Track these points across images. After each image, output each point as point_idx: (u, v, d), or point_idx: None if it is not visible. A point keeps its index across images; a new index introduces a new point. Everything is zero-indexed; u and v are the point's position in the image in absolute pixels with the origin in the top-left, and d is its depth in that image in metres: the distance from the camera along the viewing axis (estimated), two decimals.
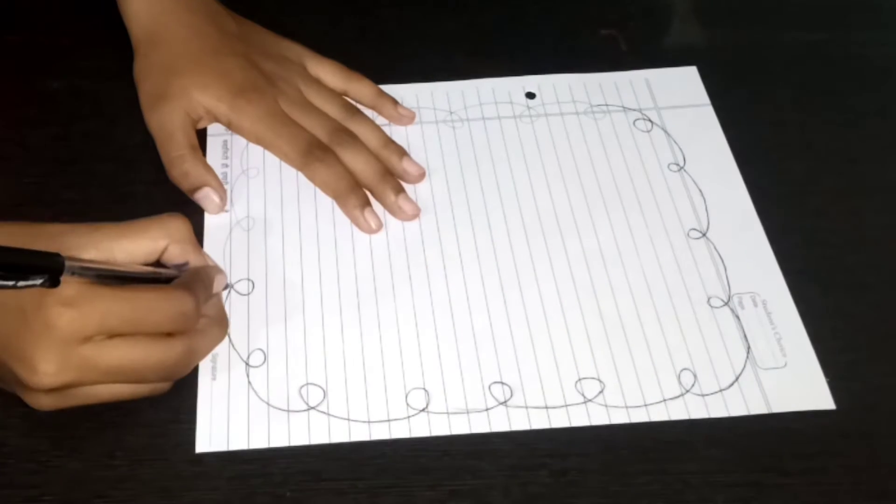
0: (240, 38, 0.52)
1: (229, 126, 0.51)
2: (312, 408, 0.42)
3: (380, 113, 0.54)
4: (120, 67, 0.52)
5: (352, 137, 0.50)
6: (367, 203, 0.49)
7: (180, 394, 0.42)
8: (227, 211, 0.49)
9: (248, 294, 0.46)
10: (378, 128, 0.52)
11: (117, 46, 0.53)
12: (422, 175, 0.51)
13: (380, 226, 0.48)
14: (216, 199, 0.48)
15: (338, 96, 0.53)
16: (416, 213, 0.49)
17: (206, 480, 0.39)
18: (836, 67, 0.58)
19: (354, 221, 0.48)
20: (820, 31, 0.60)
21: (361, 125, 0.52)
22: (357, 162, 0.49)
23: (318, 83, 0.53)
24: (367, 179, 0.49)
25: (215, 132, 0.52)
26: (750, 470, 0.40)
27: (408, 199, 0.49)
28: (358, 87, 0.54)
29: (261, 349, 0.44)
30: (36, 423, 0.41)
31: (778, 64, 0.58)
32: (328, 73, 0.54)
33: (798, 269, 0.47)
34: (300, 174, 0.50)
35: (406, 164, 0.51)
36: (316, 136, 0.50)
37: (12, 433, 0.40)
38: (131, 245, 0.40)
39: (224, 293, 0.45)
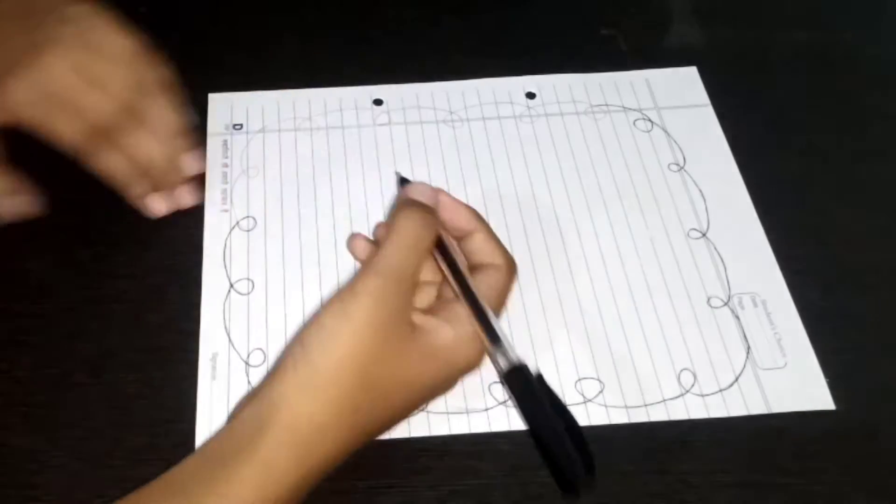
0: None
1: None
2: None
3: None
4: None
5: (137, 121, 0.46)
6: (151, 188, 0.48)
7: (180, 393, 0.42)
8: (226, 210, 0.49)
9: (248, 294, 0.46)
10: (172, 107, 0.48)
11: None
12: (199, 169, 0.49)
13: (169, 208, 0.48)
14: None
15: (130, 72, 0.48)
16: (191, 203, 0.49)
17: None
18: (836, 67, 0.58)
19: (140, 207, 0.48)
20: (820, 31, 0.60)
21: (154, 102, 0.47)
22: (143, 144, 0.46)
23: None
24: (153, 162, 0.47)
25: (215, 131, 0.53)
26: (750, 470, 0.41)
27: (190, 190, 0.49)
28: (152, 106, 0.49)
29: (260, 349, 0.44)
30: (36, 422, 0.41)
31: (778, 63, 0.59)
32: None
33: (798, 268, 0.48)
34: (300, 173, 0.51)
35: (189, 158, 0.49)
36: (99, 120, 0.45)
37: (12, 433, 0.41)
38: None
39: (224, 293, 0.46)
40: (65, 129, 0.44)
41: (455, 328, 0.39)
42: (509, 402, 0.43)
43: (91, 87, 0.45)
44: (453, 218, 0.43)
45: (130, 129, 0.46)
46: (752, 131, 0.54)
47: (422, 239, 0.40)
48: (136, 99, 0.47)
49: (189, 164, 0.49)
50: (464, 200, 0.49)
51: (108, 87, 0.45)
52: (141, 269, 0.47)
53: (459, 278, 0.40)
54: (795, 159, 0.53)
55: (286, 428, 0.35)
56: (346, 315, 0.37)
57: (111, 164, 0.46)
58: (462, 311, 0.39)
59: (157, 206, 0.48)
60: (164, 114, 0.49)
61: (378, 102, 0.55)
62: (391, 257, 0.39)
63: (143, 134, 0.47)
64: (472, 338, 0.39)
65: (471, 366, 0.40)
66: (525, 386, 0.38)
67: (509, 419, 0.42)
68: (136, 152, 0.47)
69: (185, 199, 0.49)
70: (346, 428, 0.37)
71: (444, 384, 0.40)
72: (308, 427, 0.36)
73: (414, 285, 0.39)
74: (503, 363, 0.39)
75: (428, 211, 0.41)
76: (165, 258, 0.47)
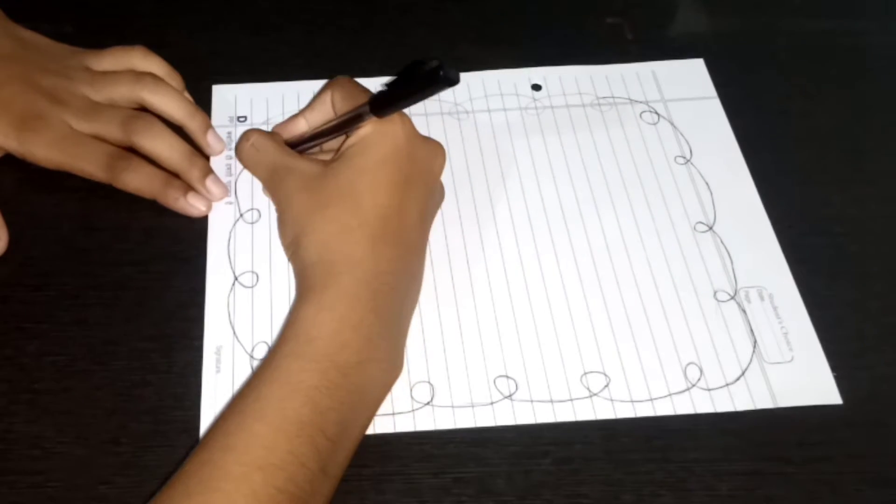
0: (14, 58, 0.51)
1: (24, 158, 0.50)
2: None
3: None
4: None
5: (147, 122, 0.50)
6: (187, 188, 0.49)
7: (185, 381, 0.43)
8: (230, 203, 0.50)
9: (253, 287, 0.47)
10: (178, 94, 0.52)
11: (119, 34, 0.55)
12: (223, 149, 0.52)
13: (209, 205, 0.50)
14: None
15: (123, 73, 0.52)
16: (223, 195, 0.50)
17: None
18: (843, 57, 0.59)
19: (182, 211, 0.49)
20: (826, 21, 0.61)
21: (157, 93, 0.51)
22: (158, 148, 0.49)
23: (103, 74, 0.52)
24: (172, 164, 0.50)
25: (219, 124, 0.54)
26: (754, 459, 0.42)
27: (216, 181, 0.50)
28: (145, 65, 0.53)
29: (265, 342, 0.45)
30: (41, 409, 0.42)
31: (784, 54, 0.59)
32: (110, 63, 0.53)
33: (804, 258, 0.48)
34: None
35: (210, 139, 0.52)
36: (114, 138, 0.50)
37: (17, 419, 0.42)
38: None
39: (228, 286, 0.47)
40: (86, 165, 0.49)
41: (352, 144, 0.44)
42: (514, 396, 0.43)
43: (99, 113, 0.50)
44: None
45: (143, 132, 0.49)
46: (759, 124, 0.55)
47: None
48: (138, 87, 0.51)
49: (213, 144, 0.52)
50: (468, 194, 0.51)
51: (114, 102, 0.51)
52: (146, 256, 0.48)
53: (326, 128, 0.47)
54: (803, 152, 0.54)
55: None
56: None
57: (137, 182, 0.49)
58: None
59: (199, 205, 0.49)
60: (171, 103, 0.51)
61: None
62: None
63: (157, 132, 0.50)
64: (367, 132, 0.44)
65: (396, 138, 0.44)
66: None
67: (514, 413, 0.43)
68: (154, 152, 0.50)
69: (215, 190, 0.50)
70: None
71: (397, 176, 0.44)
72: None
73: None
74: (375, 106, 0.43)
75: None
76: (170, 246, 0.48)
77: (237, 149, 0.50)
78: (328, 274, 0.41)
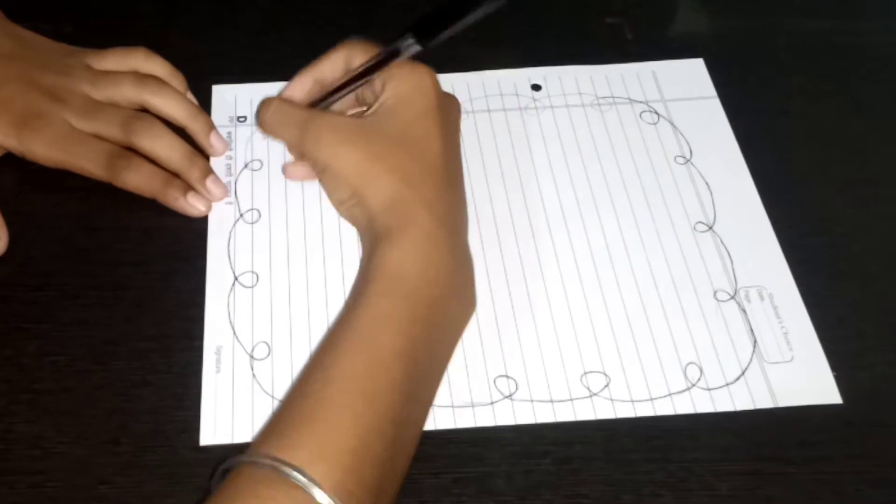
0: (14, 57, 0.52)
1: (24, 157, 0.50)
2: None
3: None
4: None
5: (147, 123, 0.50)
6: (187, 188, 0.50)
7: (185, 381, 0.44)
8: (230, 203, 0.51)
9: (253, 287, 0.47)
10: (181, 96, 0.53)
11: (119, 33, 0.56)
12: (225, 149, 0.53)
13: (209, 205, 0.50)
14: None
15: (126, 75, 0.52)
16: (223, 195, 0.51)
17: (211, 467, 0.40)
18: (843, 57, 0.59)
19: (182, 211, 0.50)
20: (826, 21, 0.61)
21: (160, 96, 0.52)
22: (158, 148, 0.50)
23: (104, 74, 0.52)
24: (172, 165, 0.50)
25: (219, 124, 0.54)
26: (754, 459, 0.42)
27: (216, 181, 0.50)
28: (148, 66, 0.54)
29: (265, 342, 0.45)
30: (41, 409, 0.43)
31: (784, 54, 0.59)
32: (112, 64, 0.53)
33: (804, 258, 0.49)
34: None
35: (213, 140, 0.52)
36: (114, 138, 0.50)
37: (17, 419, 0.42)
38: None
39: (228, 286, 0.47)
40: (86, 164, 0.50)
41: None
42: (514, 396, 0.43)
43: (99, 111, 0.50)
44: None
45: (143, 132, 0.50)
46: (759, 124, 0.55)
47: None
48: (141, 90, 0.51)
49: (216, 145, 0.52)
50: (468, 194, 0.50)
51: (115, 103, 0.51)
52: (146, 256, 0.48)
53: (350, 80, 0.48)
54: (803, 152, 0.54)
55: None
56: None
57: (137, 181, 0.49)
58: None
59: (199, 205, 0.50)
60: (174, 106, 0.51)
61: None
62: None
63: (157, 133, 0.50)
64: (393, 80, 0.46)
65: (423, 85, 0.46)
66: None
67: (514, 413, 0.43)
68: (154, 152, 0.50)
69: (215, 191, 0.50)
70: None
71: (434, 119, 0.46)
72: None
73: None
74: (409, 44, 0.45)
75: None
76: (170, 246, 0.49)
77: (259, 120, 0.51)
78: (405, 218, 0.43)
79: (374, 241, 0.43)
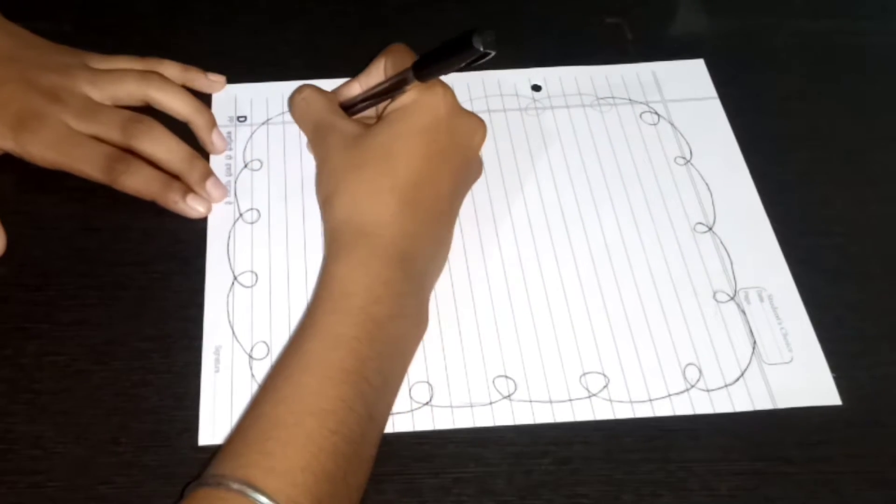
0: (12, 57, 0.52)
1: (22, 158, 0.50)
2: None
3: (192, 87, 0.55)
4: (123, 54, 0.54)
5: (147, 125, 0.50)
6: (186, 190, 0.50)
7: (185, 380, 0.44)
8: (230, 203, 0.51)
9: (252, 286, 0.47)
10: (184, 91, 0.53)
11: (119, 33, 0.56)
12: (225, 148, 0.53)
13: (209, 207, 0.50)
14: None
15: (128, 72, 0.53)
16: (222, 197, 0.51)
17: None
18: (843, 57, 0.59)
19: (182, 213, 0.50)
20: (826, 21, 0.61)
21: (163, 91, 0.52)
22: (158, 151, 0.50)
23: (105, 73, 0.52)
24: (172, 167, 0.50)
25: (219, 124, 0.53)
26: (754, 459, 0.42)
27: (216, 183, 0.51)
28: (158, 68, 0.54)
29: (264, 342, 0.45)
30: (41, 409, 0.43)
31: (784, 54, 0.59)
32: (115, 64, 0.54)
33: (804, 258, 0.49)
34: (304, 166, 0.52)
35: (215, 137, 0.53)
36: (113, 140, 0.50)
37: (18, 419, 0.42)
38: None
39: (227, 286, 0.47)
40: (84, 167, 0.49)
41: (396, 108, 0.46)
42: (513, 397, 0.44)
43: (99, 113, 0.50)
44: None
45: (143, 135, 0.50)
46: (759, 124, 0.55)
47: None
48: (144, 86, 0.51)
49: (216, 142, 0.52)
50: (468, 194, 0.51)
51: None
52: (146, 256, 0.48)
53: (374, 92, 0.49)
54: (803, 153, 0.54)
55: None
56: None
57: (136, 185, 0.49)
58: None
59: (199, 207, 0.50)
60: (178, 101, 0.52)
61: None
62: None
63: (156, 135, 0.50)
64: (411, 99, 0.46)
65: (437, 106, 0.46)
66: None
67: (513, 413, 0.43)
68: (154, 155, 0.50)
69: (215, 193, 0.50)
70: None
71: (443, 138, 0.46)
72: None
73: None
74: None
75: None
76: (170, 246, 0.49)
77: (290, 102, 0.52)
78: (358, 233, 0.43)
79: (327, 256, 0.44)
